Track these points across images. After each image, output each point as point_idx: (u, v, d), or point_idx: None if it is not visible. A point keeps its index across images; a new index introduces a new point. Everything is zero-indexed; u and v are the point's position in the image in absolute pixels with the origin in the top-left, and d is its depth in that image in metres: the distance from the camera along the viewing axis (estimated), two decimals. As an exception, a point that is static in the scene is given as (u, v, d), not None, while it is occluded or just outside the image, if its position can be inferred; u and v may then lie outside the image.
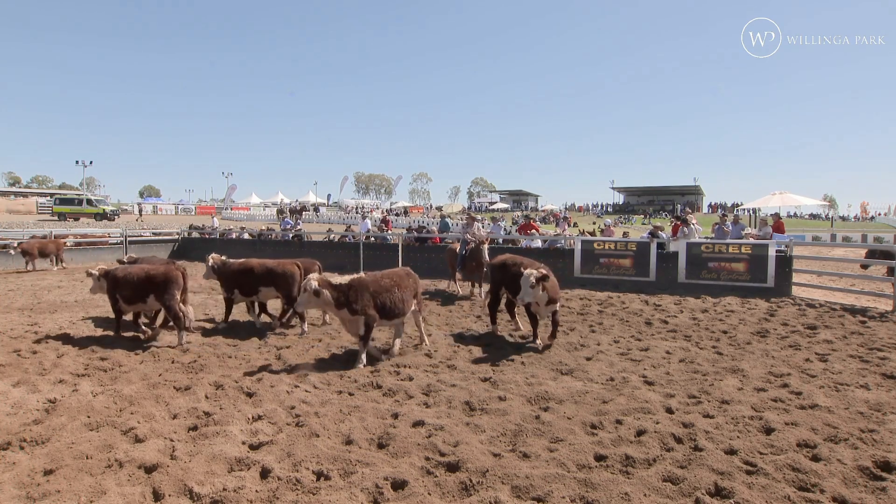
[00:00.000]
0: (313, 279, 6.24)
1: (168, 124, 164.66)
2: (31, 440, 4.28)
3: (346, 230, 21.73)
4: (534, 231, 16.15)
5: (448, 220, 19.44)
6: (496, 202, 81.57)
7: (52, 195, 58.20)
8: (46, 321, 8.84)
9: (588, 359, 6.75)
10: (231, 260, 8.83)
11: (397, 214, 59.94)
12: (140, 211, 56.33)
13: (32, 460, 3.97)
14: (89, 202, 44.33)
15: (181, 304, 7.35)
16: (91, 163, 57.15)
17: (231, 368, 6.24)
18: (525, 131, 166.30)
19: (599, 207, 76.85)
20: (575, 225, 37.06)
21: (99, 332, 8.13)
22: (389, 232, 18.64)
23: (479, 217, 14.65)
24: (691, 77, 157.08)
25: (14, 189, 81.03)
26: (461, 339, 7.77)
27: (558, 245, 14.74)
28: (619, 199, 79.11)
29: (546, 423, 4.62)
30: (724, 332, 8.19)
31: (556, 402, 5.14)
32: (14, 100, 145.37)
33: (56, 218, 42.15)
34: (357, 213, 61.68)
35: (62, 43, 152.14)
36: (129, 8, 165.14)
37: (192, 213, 64.53)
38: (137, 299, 7.41)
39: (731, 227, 14.25)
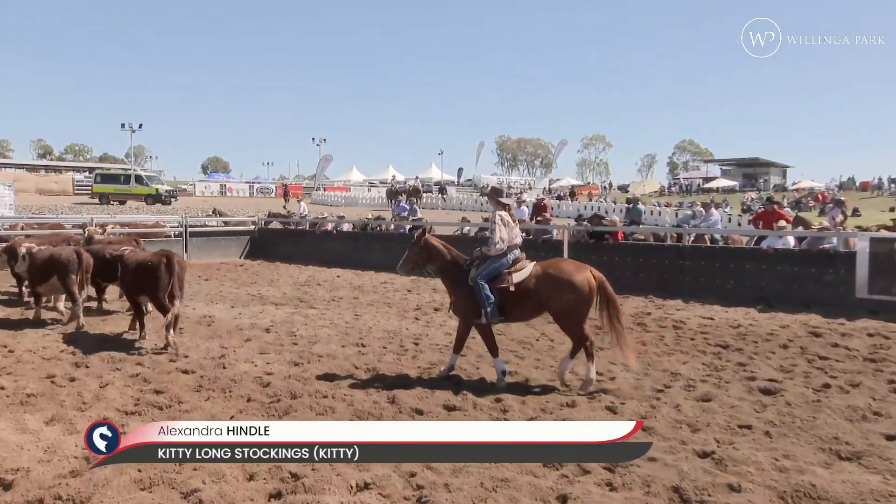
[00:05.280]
0: None
1: (239, 76, 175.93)
2: (68, 498, 4.72)
3: (483, 220, 21.75)
4: (782, 222, 15.03)
5: (640, 205, 18.80)
6: (716, 177, 77.70)
7: (91, 170, 64.15)
8: (87, 338, 9.94)
9: (890, 437, 6.10)
10: None
11: (560, 197, 59.58)
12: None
13: (70, 527, 4.40)
14: (139, 180, 48.86)
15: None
16: (140, 126, 62.29)
17: (327, 411, 6.53)
18: (759, 75, 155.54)
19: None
20: (856, 213, 33.87)
21: (152, 354, 8.97)
22: (551, 223, 18.45)
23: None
24: None
25: (45, 162, 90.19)
26: (666, 384, 7.62)
27: (828, 246, 13.67)
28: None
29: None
30: None
31: (833, 506, 4.68)
32: (42, 49, 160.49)
33: (97, 200, 46.58)
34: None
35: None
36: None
37: (272, 193, 67.05)
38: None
39: None
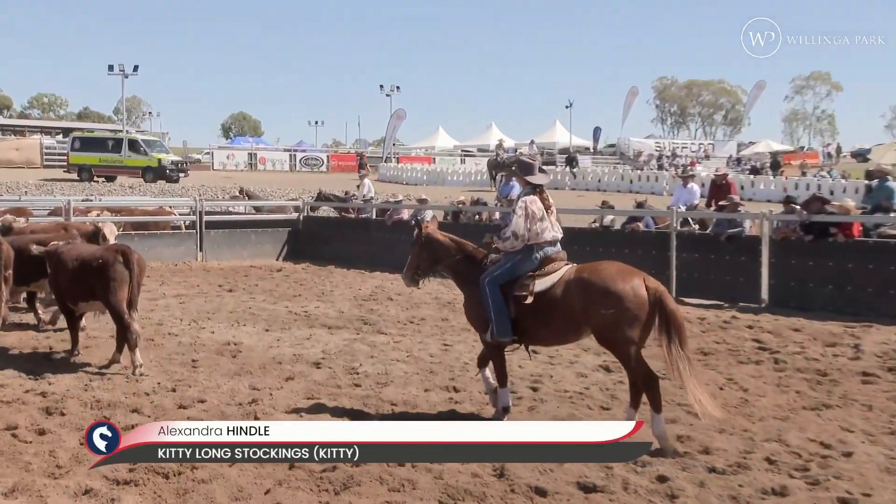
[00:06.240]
0: None
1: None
2: None
3: (636, 206, 21.06)
4: None
5: (891, 182, 18.03)
6: None
7: (66, 132, 66.59)
8: (62, 373, 10.19)
9: None
10: None
11: (755, 170, 58.14)
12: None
13: None
14: (133, 146, 50.67)
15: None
16: (136, 70, 65.24)
17: (404, 485, 6.53)
18: None
19: None
20: None
21: (151, 395, 9.19)
22: (742, 209, 17.96)
23: None
24: None
25: (1, 121, 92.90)
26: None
27: None
28: None
29: None
30: None
31: None
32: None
33: (74, 175, 48.35)
34: (657, 166, 61.34)
35: None
36: None
37: (322, 166, 69.14)
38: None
39: None
